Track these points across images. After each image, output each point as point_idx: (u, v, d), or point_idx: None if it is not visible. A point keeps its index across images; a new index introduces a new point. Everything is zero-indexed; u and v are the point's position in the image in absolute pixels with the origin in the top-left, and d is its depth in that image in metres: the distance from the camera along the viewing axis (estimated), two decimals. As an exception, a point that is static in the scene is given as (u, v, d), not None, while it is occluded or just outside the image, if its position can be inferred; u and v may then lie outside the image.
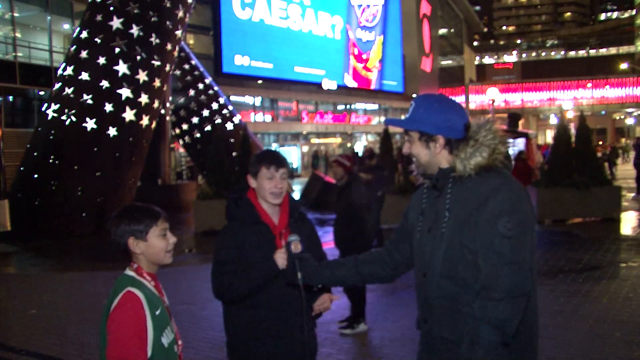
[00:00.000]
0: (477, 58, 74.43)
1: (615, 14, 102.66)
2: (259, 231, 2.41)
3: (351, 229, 5.14)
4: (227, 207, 2.49)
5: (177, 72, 17.03)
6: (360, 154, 31.39)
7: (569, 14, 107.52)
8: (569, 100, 39.86)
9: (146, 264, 1.96)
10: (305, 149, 33.31)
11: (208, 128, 17.33)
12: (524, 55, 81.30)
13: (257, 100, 30.83)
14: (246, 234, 2.40)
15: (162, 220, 1.95)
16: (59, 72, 12.14)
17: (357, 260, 2.22)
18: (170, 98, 16.42)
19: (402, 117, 2.10)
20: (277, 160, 2.41)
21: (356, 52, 35.89)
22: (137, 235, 1.91)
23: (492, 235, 1.79)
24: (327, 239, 10.63)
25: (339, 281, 2.23)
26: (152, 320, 1.85)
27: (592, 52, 78.58)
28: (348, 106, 37.82)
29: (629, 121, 53.62)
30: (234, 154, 15.51)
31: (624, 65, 54.95)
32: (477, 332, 1.77)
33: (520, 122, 20.01)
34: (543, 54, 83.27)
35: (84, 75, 11.41)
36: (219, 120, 17.47)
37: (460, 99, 45.62)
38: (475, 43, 77.15)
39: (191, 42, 25.94)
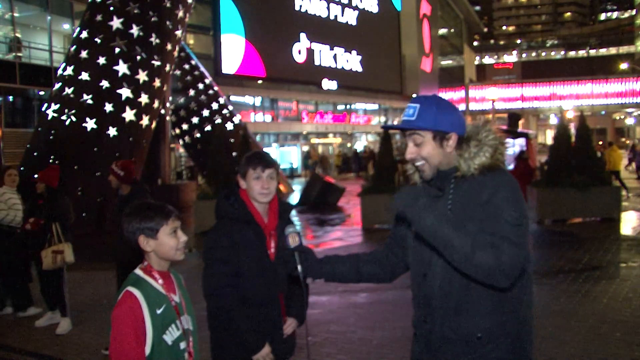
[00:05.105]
0: (477, 58, 74.45)
1: (615, 14, 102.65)
2: (251, 231, 2.43)
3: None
4: (219, 204, 2.50)
5: (177, 72, 17.04)
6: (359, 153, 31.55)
7: (569, 14, 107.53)
8: (569, 100, 39.87)
9: (156, 262, 1.99)
10: (306, 148, 33.33)
11: (208, 128, 17.35)
12: (524, 55, 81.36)
13: (257, 100, 30.81)
14: (239, 233, 2.42)
15: (173, 219, 1.98)
16: (59, 72, 12.14)
17: (358, 259, 2.22)
18: (170, 98, 16.43)
19: (401, 118, 2.09)
20: (264, 161, 2.45)
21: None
22: (147, 233, 1.94)
23: (499, 223, 1.80)
24: (327, 239, 10.66)
25: (338, 277, 2.21)
26: (152, 318, 1.88)
27: (592, 52, 78.62)
28: (348, 106, 37.82)
29: (629, 121, 53.66)
30: (234, 154, 15.53)
31: (624, 65, 55.00)
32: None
33: (520, 122, 20.02)
34: (543, 54, 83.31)
35: (84, 75, 11.42)
36: (219, 120, 17.48)
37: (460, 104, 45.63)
38: (475, 43, 77.14)
39: (191, 42, 25.94)
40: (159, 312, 1.91)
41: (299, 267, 2.11)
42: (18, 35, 19.21)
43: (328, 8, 33.12)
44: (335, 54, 33.56)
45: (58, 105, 11.48)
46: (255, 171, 2.43)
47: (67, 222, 5.66)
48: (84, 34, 11.70)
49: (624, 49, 72.21)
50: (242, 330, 2.35)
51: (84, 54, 11.55)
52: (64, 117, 11.35)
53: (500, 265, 1.72)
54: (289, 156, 32.53)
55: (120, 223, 4.78)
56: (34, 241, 5.62)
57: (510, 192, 1.85)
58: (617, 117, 54.63)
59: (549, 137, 47.46)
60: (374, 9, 37.32)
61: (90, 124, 11.30)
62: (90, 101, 11.34)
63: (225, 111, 17.81)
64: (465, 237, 1.75)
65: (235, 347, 2.39)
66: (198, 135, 17.58)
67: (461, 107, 44.51)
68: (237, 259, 2.39)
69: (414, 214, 1.81)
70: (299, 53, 30.83)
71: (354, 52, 35.08)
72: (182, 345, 1.98)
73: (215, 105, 17.66)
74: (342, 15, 34.37)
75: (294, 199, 17.51)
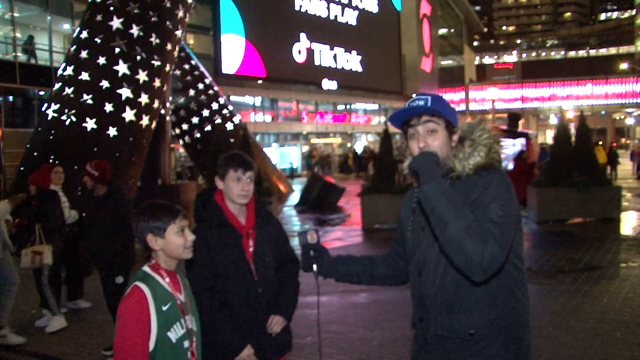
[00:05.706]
0: (477, 58, 74.41)
1: (615, 14, 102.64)
2: (225, 233, 2.44)
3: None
4: (195, 208, 2.51)
5: (177, 72, 17.04)
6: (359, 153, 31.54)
7: (569, 14, 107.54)
8: (569, 100, 39.86)
9: (164, 260, 2.03)
10: (305, 148, 33.30)
11: (208, 128, 17.35)
12: (524, 55, 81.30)
13: (257, 100, 30.81)
14: (214, 236, 2.43)
15: (181, 218, 2.02)
16: (59, 72, 12.12)
17: (372, 260, 2.23)
18: (170, 98, 16.42)
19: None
20: (245, 164, 2.44)
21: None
22: (155, 232, 1.99)
23: (484, 221, 1.79)
24: (327, 239, 10.65)
25: (351, 278, 2.21)
26: (157, 314, 1.92)
27: (592, 52, 78.60)
28: (348, 106, 37.83)
29: (629, 121, 53.66)
30: (234, 154, 15.52)
31: (624, 65, 54.95)
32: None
33: (520, 122, 20.03)
34: (543, 54, 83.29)
35: (84, 75, 11.41)
36: (219, 120, 17.48)
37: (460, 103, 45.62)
38: (475, 43, 77.10)
39: (191, 42, 25.93)
40: (164, 309, 1.95)
41: (314, 266, 2.12)
42: (18, 35, 19.22)
43: (328, 8, 33.14)
44: (335, 54, 33.57)
45: (58, 105, 11.47)
46: (236, 173, 2.42)
47: (52, 223, 5.67)
48: (84, 34, 11.69)
49: (624, 49, 72.19)
50: (222, 333, 2.37)
51: (84, 54, 11.54)
52: (64, 117, 11.34)
53: (482, 259, 1.72)
54: (289, 156, 32.53)
55: (97, 225, 4.83)
56: (20, 240, 5.78)
57: (499, 190, 1.84)
58: (617, 117, 54.64)
59: (549, 137, 47.44)
60: (374, 9, 37.33)
61: (90, 124, 11.29)
62: (90, 101, 11.33)
63: (225, 111, 17.80)
64: (461, 219, 1.75)
65: (218, 349, 2.40)
66: (198, 135, 17.58)
67: (461, 107, 44.57)
68: (214, 262, 2.41)
69: (426, 175, 1.82)
70: (299, 53, 30.84)
71: (354, 52, 35.09)
72: (186, 344, 2.02)
73: (215, 105, 17.66)
74: (342, 15, 34.38)
75: (294, 199, 17.51)
